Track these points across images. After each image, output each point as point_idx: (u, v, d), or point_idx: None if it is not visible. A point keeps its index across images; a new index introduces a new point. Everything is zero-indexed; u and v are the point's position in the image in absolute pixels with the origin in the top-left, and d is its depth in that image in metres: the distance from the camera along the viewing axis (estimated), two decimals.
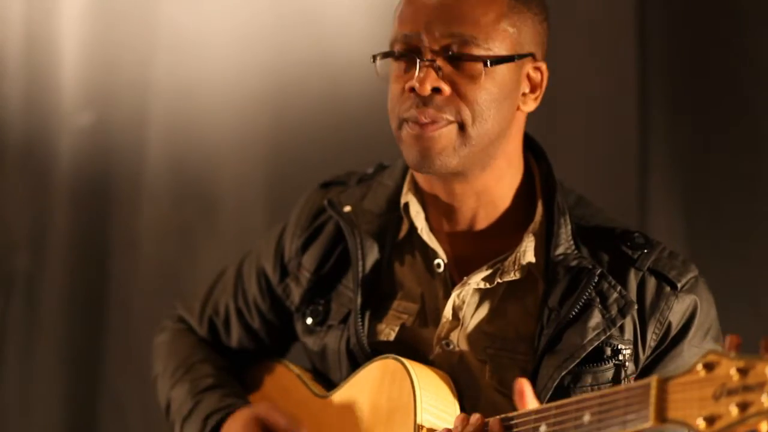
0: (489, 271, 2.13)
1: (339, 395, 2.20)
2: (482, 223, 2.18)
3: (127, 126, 3.52)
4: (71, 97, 3.52)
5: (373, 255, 2.22)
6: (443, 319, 2.15)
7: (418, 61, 2.06)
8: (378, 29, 2.29)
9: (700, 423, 1.62)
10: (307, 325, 2.28)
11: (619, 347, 2.06)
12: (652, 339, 2.08)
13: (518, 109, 2.14)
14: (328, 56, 3.41)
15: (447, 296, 2.16)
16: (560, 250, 2.11)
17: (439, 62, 2.06)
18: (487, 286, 2.13)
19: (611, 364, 2.06)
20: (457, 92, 2.06)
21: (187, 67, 3.49)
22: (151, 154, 3.51)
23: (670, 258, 2.12)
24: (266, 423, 2.22)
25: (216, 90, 3.48)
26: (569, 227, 2.14)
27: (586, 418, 1.79)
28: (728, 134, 3.05)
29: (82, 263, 3.55)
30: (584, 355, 2.05)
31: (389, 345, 2.17)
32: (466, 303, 2.14)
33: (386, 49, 2.12)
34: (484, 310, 2.14)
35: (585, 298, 2.07)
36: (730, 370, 1.61)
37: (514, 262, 2.12)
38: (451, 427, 1.99)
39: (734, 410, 1.59)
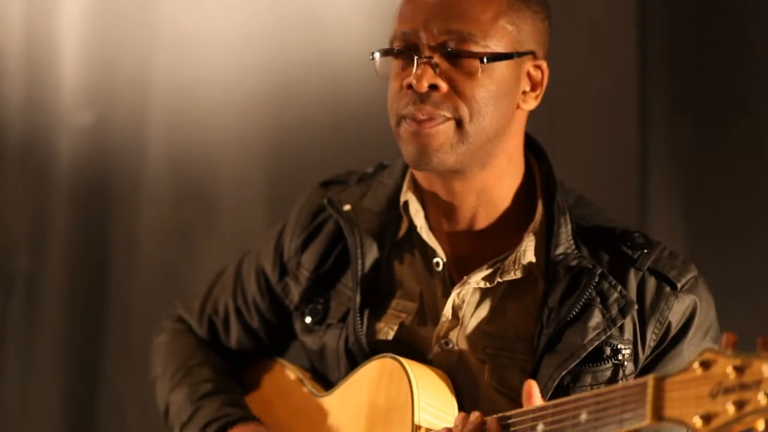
0: (489, 271, 2.13)
1: (337, 394, 2.20)
2: (482, 223, 2.17)
3: (127, 126, 3.52)
4: (71, 96, 3.52)
5: (372, 254, 2.21)
6: (443, 318, 2.14)
7: (415, 58, 2.06)
8: (378, 29, 2.28)
9: (697, 421, 1.62)
10: (306, 324, 2.27)
11: (619, 347, 2.06)
12: (651, 339, 2.08)
13: (518, 107, 2.13)
14: (328, 56, 3.40)
15: (446, 295, 2.15)
16: (560, 249, 2.11)
17: (437, 59, 2.06)
18: (488, 285, 2.13)
19: (611, 364, 2.06)
20: (455, 89, 2.06)
21: (187, 66, 3.49)
22: (151, 153, 3.51)
23: (670, 258, 2.12)
24: None
25: (216, 90, 3.48)
26: (569, 227, 2.13)
27: (584, 416, 1.79)
28: (728, 134, 3.04)
29: (82, 263, 3.55)
30: (584, 354, 2.05)
31: (388, 344, 2.17)
32: (466, 302, 2.14)
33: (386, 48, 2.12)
34: (484, 309, 2.14)
35: (585, 297, 2.07)
36: (726, 368, 1.61)
37: (515, 262, 2.12)
38: (449, 426, 1.99)
39: (731, 408, 1.59)
